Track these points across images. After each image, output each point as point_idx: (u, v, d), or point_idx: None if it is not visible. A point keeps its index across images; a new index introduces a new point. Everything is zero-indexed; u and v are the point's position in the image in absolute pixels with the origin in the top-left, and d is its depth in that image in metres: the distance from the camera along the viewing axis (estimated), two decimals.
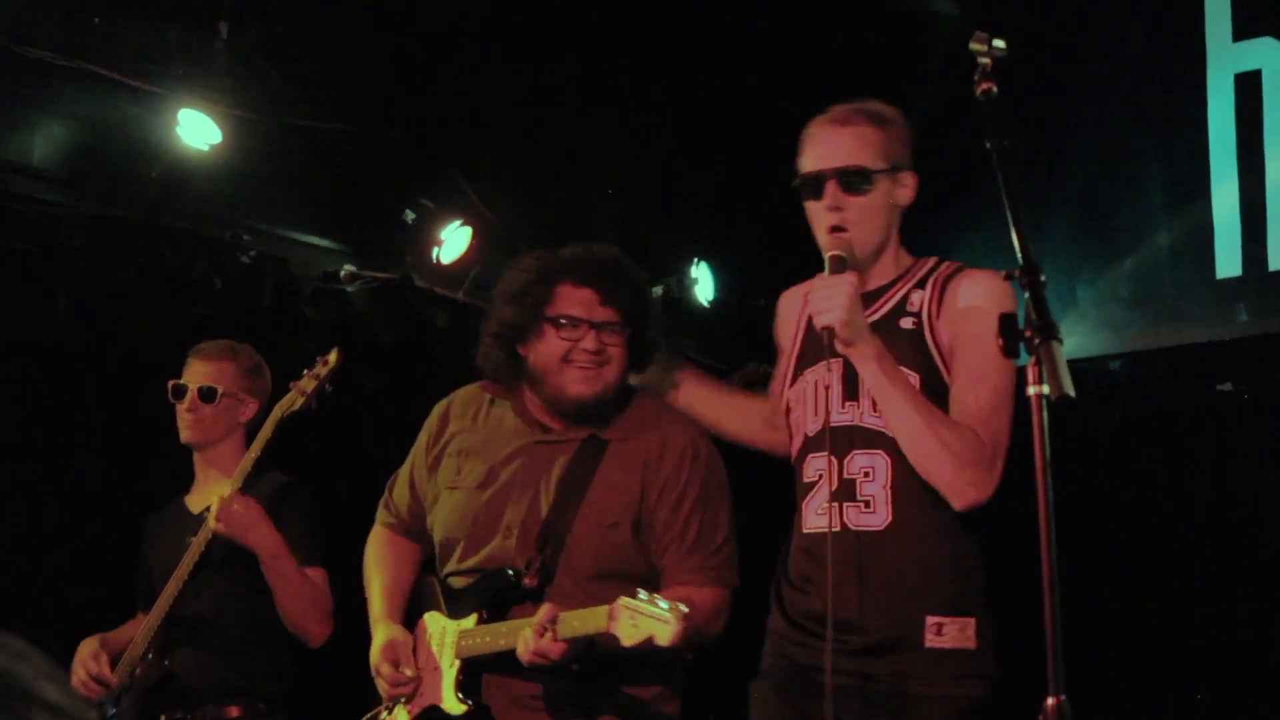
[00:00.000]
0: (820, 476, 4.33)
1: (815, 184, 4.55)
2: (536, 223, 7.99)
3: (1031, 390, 2.83)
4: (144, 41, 6.52)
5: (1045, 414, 2.84)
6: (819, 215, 4.53)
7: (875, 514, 4.24)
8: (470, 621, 4.72)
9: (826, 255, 4.33)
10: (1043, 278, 2.93)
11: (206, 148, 6.67)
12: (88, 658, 5.61)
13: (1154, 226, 7.86)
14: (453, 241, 7.48)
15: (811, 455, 4.43)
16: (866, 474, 4.27)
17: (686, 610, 4.16)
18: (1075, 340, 7.80)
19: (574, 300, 4.76)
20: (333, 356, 5.46)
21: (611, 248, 4.95)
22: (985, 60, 3.23)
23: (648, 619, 4.18)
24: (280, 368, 5.90)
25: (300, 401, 5.42)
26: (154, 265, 6.95)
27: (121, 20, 6.42)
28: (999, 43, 3.24)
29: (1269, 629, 7.34)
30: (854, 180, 4.43)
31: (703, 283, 8.65)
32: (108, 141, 6.67)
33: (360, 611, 5.06)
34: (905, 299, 4.41)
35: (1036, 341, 2.84)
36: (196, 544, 5.47)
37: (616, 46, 7.73)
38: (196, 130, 6.62)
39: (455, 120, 7.51)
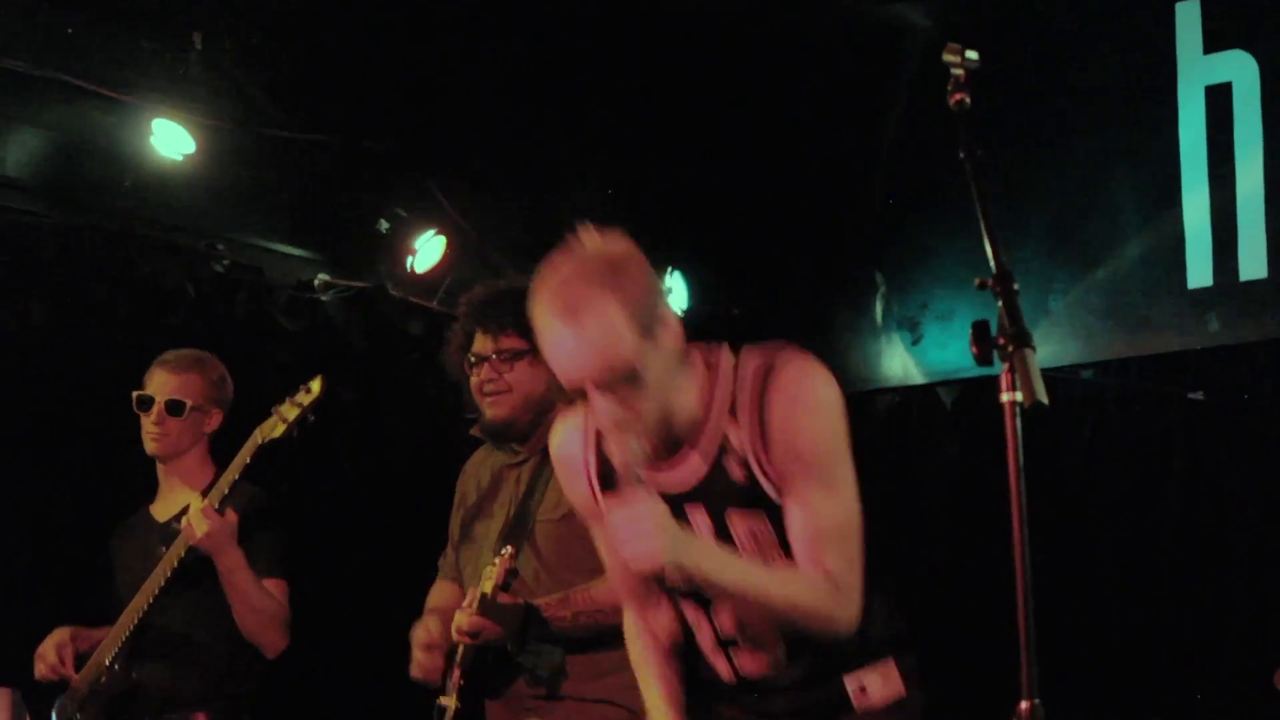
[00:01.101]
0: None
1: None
2: (510, 232, 8.00)
3: (1005, 398, 2.84)
4: (118, 51, 6.52)
5: (1019, 422, 2.85)
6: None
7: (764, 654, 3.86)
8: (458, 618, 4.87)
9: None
10: (1016, 286, 2.94)
11: (180, 157, 6.67)
12: (55, 647, 5.62)
13: (1125, 237, 7.88)
14: (427, 250, 7.49)
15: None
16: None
17: (506, 555, 4.58)
18: (1048, 349, 7.81)
19: (479, 341, 5.13)
20: (316, 385, 5.45)
21: (514, 281, 5.09)
22: (958, 71, 3.24)
23: (491, 569, 4.62)
24: (255, 377, 5.90)
25: (281, 429, 5.41)
26: (127, 275, 6.95)
27: (95, 30, 6.42)
28: (972, 54, 3.24)
29: (1241, 636, 7.36)
30: (613, 382, 3.56)
31: (676, 292, 8.66)
32: (81, 151, 6.67)
33: (325, 620, 5.12)
34: (725, 440, 3.71)
35: (1010, 349, 2.85)
36: (170, 556, 5.46)
37: (591, 56, 7.74)
38: (170, 140, 6.62)
39: (429, 130, 7.52)
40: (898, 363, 8.84)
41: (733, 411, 3.69)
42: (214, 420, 5.82)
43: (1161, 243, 7.73)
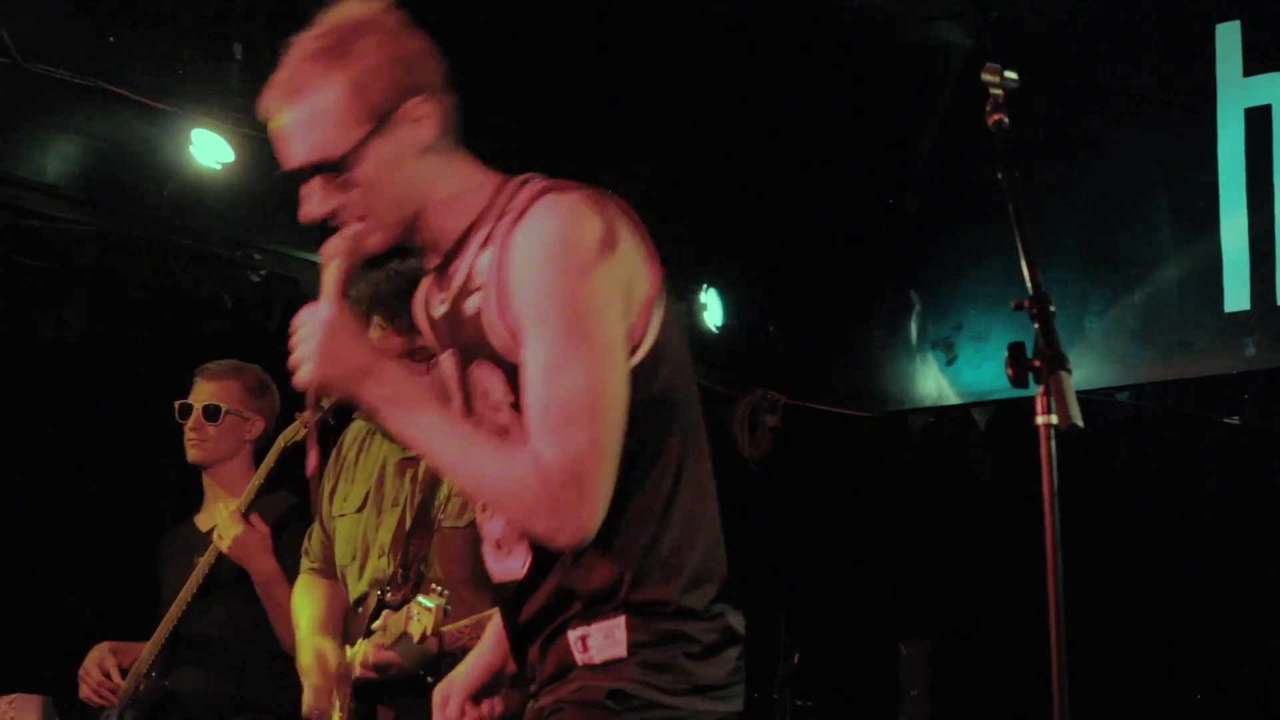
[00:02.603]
0: None
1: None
2: None
3: (1040, 420, 2.84)
4: (158, 60, 6.55)
5: (1054, 445, 2.84)
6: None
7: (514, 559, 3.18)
8: (362, 646, 4.66)
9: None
10: (1052, 308, 2.93)
11: (219, 167, 6.69)
12: (96, 664, 5.63)
13: (1163, 259, 7.86)
14: None
15: None
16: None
17: (442, 600, 4.10)
18: (1083, 372, 7.80)
19: (382, 335, 4.65)
20: None
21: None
22: (997, 91, 3.23)
23: (422, 610, 4.14)
24: (289, 387, 5.91)
25: (303, 433, 5.41)
26: (165, 283, 6.97)
27: (136, 39, 6.44)
28: (1011, 74, 3.24)
29: (1277, 662, 7.34)
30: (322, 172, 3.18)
31: (711, 308, 8.67)
32: (121, 159, 6.69)
33: None
34: (472, 269, 3.10)
35: (1045, 371, 2.84)
36: (203, 564, 5.48)
37: (628, 72, 7.75)
38: (209, 149, 6.64)
39: (465, 140, 7.52)
40: (932, 383, 8.83)
41: (489, 242, 3.07)
42: (255, 428, 5.82)
43: (1199, 265, 7.71)
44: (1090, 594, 7.14)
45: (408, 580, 4.57)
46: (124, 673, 5.65)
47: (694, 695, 2.99)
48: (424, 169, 3.16)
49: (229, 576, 5.49)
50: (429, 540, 4.65)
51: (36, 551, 6.82)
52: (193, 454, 5.77)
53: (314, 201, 3.19)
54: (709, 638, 3.02)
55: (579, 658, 3.00)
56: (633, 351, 2.96)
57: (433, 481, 4.69)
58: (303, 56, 3.12)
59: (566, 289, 2.89)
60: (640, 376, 2.96)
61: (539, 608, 3.08)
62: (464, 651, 4.05)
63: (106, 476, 7.07)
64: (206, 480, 5.89)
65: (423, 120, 3.13)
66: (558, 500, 2.81)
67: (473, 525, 4.11)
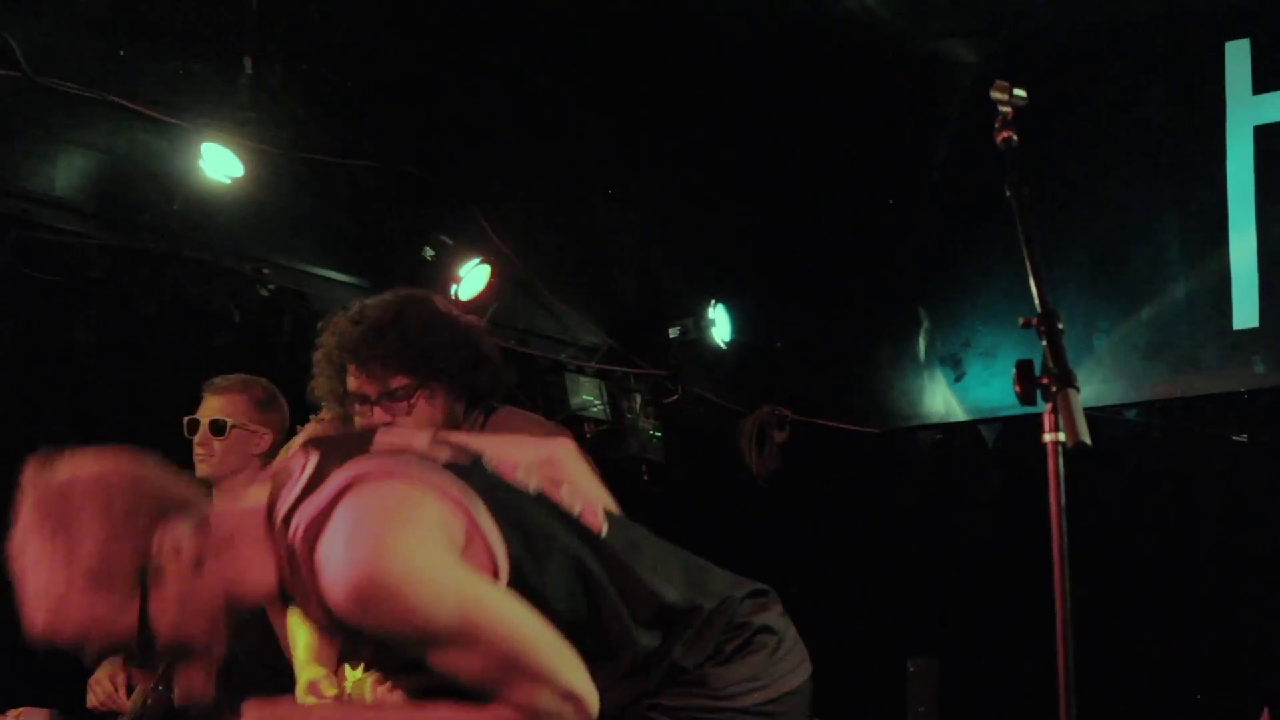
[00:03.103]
0: None
1: None
2: (554, 261, 8.02)
3: (1048, 438, 2.84)
4: (168, 74, 6.56)
5: (1061, 462, 2.84)
6: None
7: None
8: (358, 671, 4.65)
9: None
10: (1061, 325, 2.93)
11: (228, 181, 6.69)
12: (107, 675, 5.62)
13: (1171, 276, 7.87)
14: (471, 279, 7.50)
15: None
16: None
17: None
18: (1091, 389, 7.80)
19: (356, 380, 4.58)
20: None
21: (383, 308, 4.57)
22: (1006, 109, 3.24)
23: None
24: (298, 401, 5.91)
25: None
26: (174, 297, 6.97)
27: (146, 53, 6.46)
28: (1020, 91, 3.24)
29: None
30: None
31: (720, 324, 8.67)
32: (130, 173, 6.69)
33: None
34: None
35: (1054, 389, 2.84)
36: None
37: (638, 89, 7.77)
38: (219, 163, 6.65)
39: (475, 158, 7.54)
40: (940, 399, 8.84)
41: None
42: (263, 441, 5.81)
43: (1207, 283, 7.72)
44: (1097, 610, 7.12)
45: None
46: (131, 685, 5.65)
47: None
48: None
49: None
50: None
51: None
52: (201, 469, 5.76)
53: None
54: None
55: None
56: (496, 575, 2.97)
57: None
58: (24, 525, 2.98)
59: (420, 607, 2.89)
60: (522, 583, 2.99)
61: None
62: None
63: None
64: (215, 494, 5.88)
65: (185, 551, 2.99)
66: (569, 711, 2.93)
67: None
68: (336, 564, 2.85)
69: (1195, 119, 7.86)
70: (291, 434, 5.65)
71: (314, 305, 7.45)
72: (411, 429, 3.68)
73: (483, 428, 4.69)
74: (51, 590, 2.85)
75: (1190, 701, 7.56)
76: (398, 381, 4.47)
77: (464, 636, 2.86)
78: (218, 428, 5.70)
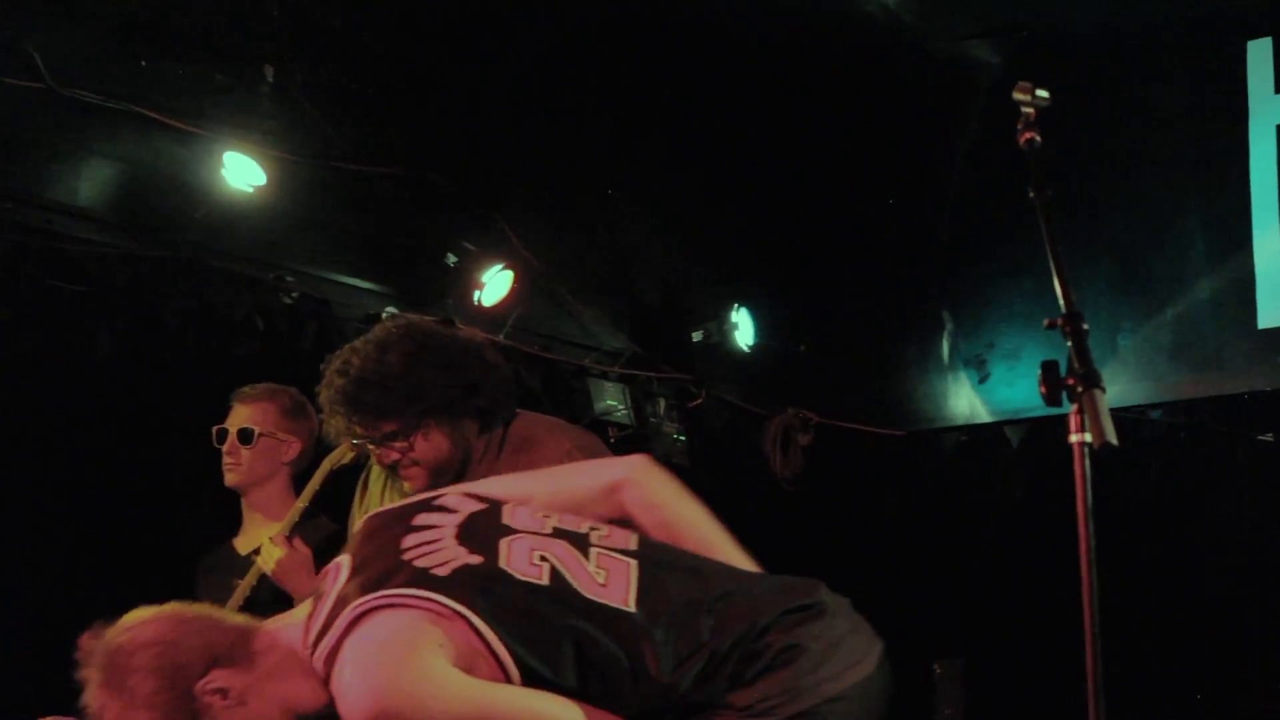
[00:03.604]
0: None
1: None
2: (577, 266, 8.02)
3: (1074, 439, 2.83)
4: (190, 83, 6.57)
5: (1088, 463, 2.83)
6: None
7: None
8: None
9: None
10: (1086, 326, 2.92)
11: (251, 189, 6.71)
12: None
13: (1195, 276, 7.85)
14: (494, 285, 7.50)
15: None
16: None
17: None
18: (1116, 390, 7.77)
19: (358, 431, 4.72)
20: None
21: (355, 366, 4.61)
22: (1029, 110, 3.23)
23: None
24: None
25: (350, 456, 5.40)
26: (197, 306, 6.98)
27: (168, 63, 6.47)
28: (1042, 92, 3.23)
29: None
30: None
31: (743, 327, 8.67)
32: (153, 182, 6.71)
33: None
34: None
35: (1079, 390, 2.83)
36: (243, 586, 5.46)
37: (659, 94, 7.77)
38: (241, 172, 6.66)
39: (498, 164, 7.55)
40: (964, 401, 8.82)
41: None
42: (291, 450, 5.81)
43: (1232, 282, 7.70)
44: (1123, 611, 7.10)
45: None
46: None
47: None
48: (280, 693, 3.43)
49: (267, 600, 5.47)
50: None
51: (69, 573, 6.83)
52: (230, 478, 5.76)
53: None
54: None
55: None
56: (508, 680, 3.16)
57: None
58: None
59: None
60: (532, 680, 3.16)
61: None
62: None
63: (140, 499, 7.07)
64: (245, 505, 5.89)
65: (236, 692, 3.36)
66: None
67: None
68: (351, 699, 3.12)
69: (1217, 118, 7.84)
70: (320, 443, 5.66)
71: (337, 313, 7.46)
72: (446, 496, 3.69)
73: (503, 441, 4.74)
74: None
75: (1218, 701, 7.54)
76: (389, 427, 4.54)
77: None
78: (245, 436, 5.71)
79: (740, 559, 3.67)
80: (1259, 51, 7.74)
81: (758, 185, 8.45)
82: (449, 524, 3.40)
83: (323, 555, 5.42)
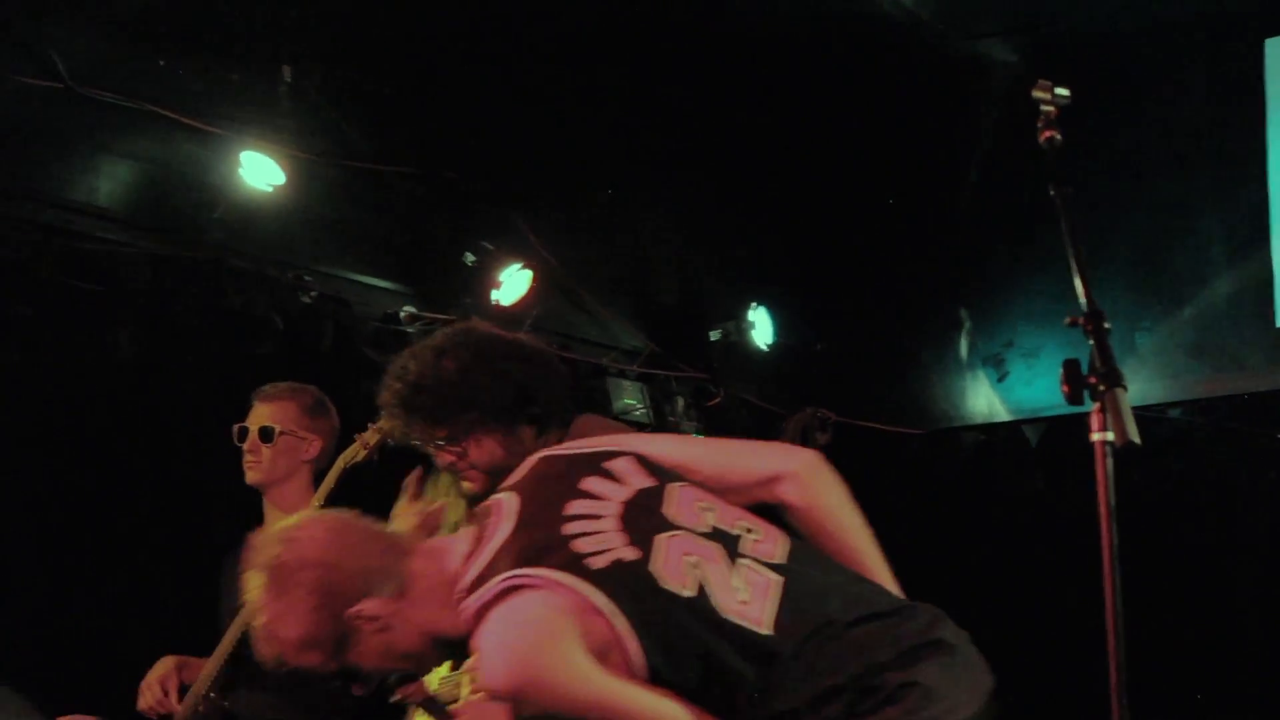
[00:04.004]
0: None
1: None
2: (596, 265, 8.03)
3: (1096, 437, 2.82)
4: (208, 84, 6.59)
5: (1110, 462, 2.83)
6: None
7: None
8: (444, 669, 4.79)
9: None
10: (1107, 324, 2.92)
11: (269, 189, 6.72)
12: (159, 680, 5.63)
13: (1214, 275, 7.84)
14: (512, 284, 7.51)
15: None
16: None
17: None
18: (1135, 388, 7.69)
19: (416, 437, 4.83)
20: None
21: (409, 372, 4.68)
22: (1049, 108, 3.22)
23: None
24: (340, 408, 5.91)
25: (363, 454, 5.41)
26: (216, 305, 6.99)
27: (186, 62, 6.49)
28: (1062, 90, 3.23)
29: None
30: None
31: (761, 326, 8.67)
32: (172, 182, 6.73)
33: None
34: None
35: (1101, 389, 2.82)
36: None
37: (678, 93, 7.77)
38: (259, 171, 6.67)
39: (516, 163, 7.55)
40: (983, 400, 8.82)
41: None
42: (312, 448, 5.80)
43: (1250, 281, 7.69)
44: (1143, 610, 7.08)
45: None
46: (186, 689, 5.66)
47: None
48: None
49: None
50: None
51: (91, 570, 6.84)
52: (250, 475, 5.76)
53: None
54: None
55: None
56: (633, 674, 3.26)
57: None
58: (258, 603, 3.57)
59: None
60: (657, 682, 3.26)
61: None
62: None
63: (160, 496, 7.09)
64: (266, 502, 5.88)
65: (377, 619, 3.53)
66: None
67: None
68: (491, 664, 3.28)
69: (1236, 117, 7.83)
70: (341, 441, 5.67)
71: (356, 312, 7.48)
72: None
73: (560, 441, 4.76)
74: (269, 639, 3.50)
75: (1239, 700, 7.53)
76: (442, 432, 4.59)
77: None
78: (266, 434, 5.71)
79: (886, 576, 3.72)
80: (1277, 50, 7.72)
81: (775, 184, 8.45)
82: (614, 502, 3.48)
83: None
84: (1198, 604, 7.76)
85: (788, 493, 3.71)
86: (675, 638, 3.26)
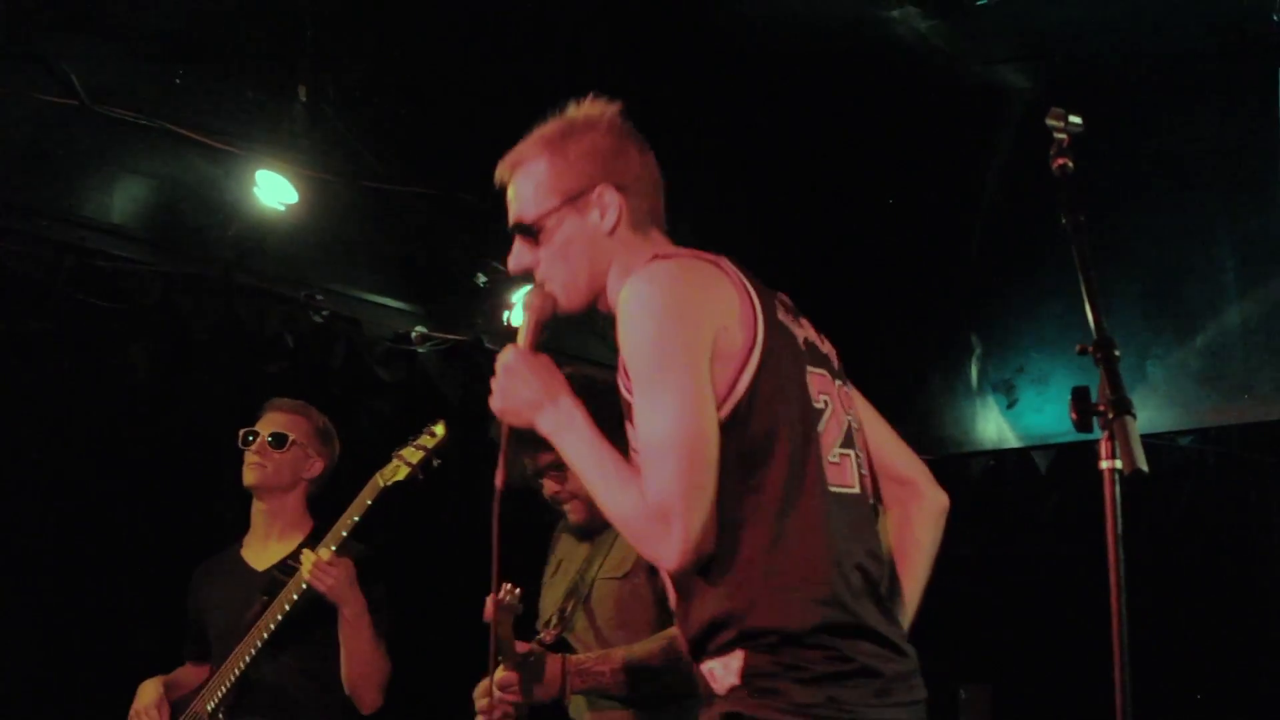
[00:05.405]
0: None
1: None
2: None
3: (1104, 465, 2.82)
4: (223, 102, 6.61)
5: (1118, 489, 2.83)
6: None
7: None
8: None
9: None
10: (1117, 352, 2.92)
11: (282, 208, 6.74)
12: (152, 705, 5.61)
13: (1226, 303, 7.83)
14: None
15: None
16: None
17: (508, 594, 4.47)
18: (1145, 416, 7.72)
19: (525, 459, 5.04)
20: (440, 429, 5.42)
21: None
22: (1061, 135, 3.23)
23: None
24: (350, 427, 5.92)
25: (405, 472, 5.37)
26: (228, 323, 7.01)
27: (201, 81, 6.51)
28: (1075, 118, 3.23)
29: None
30: (522, 234, 3.74)
31: None
32: (185, 200, 6.75)
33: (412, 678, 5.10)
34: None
35: (1110, 416, 2.82)
36: (278, 605, 5.40)
37: (688, 114, 7.77)
38: (273, 190, 6.69)
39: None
40: (992, 426, 8.81)
41: None
42: (315, 466, 5.79)
43: (1263, 309, 7.68)
44: (1152, 638, 7.09)
45: (564, 620, 4.90)
46: (176, 707, 5.64)
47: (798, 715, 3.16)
48: (604, 249, 3.62)
49: (299, 620, 5.44)
50: (584, 591, 4.95)
51: (105, 584, 6.85)
52: (252, 476, 5.71)
53: (514, 257, 3.69)
54: (820, 667, 3.19)
55: (713, 688, 3.26)
56: (721, 403, 3.21)
57: (598, 543, 5.00)
58: (534, 138, 3.74)
59: (643, 346, 3.26)
60: (732, 426, 3.20)
61: (686, 640, 3.35)
62: (589, 676, 4.61)
63: (170, 514, 7.09)
64: (259, 511, 5.81)
65: (608, 208, 3.60)
66: (651, 531, 3.13)
67: (628, 576, 4.79)
68: (625, 292, 3.33)
69: (1249, 145, 7.82)
70: (337, 473, 5.70)
71: (367, 331, 7.49)
72: None
73: None
74: (527, 184, 3.70)
75: None
76: (548, 457, 4.82)
77: (651, 410, 3.20)
78: (279, 440, 5.69)
79: (908, 617, 3.88)
80: None
81: (787, 208, 8.45)
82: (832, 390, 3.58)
83: (358, 576, 5.42)
84: (1208, 632, 7.75)
85: (903, 501, 3.86)
86: (781, 414, 3.28)
